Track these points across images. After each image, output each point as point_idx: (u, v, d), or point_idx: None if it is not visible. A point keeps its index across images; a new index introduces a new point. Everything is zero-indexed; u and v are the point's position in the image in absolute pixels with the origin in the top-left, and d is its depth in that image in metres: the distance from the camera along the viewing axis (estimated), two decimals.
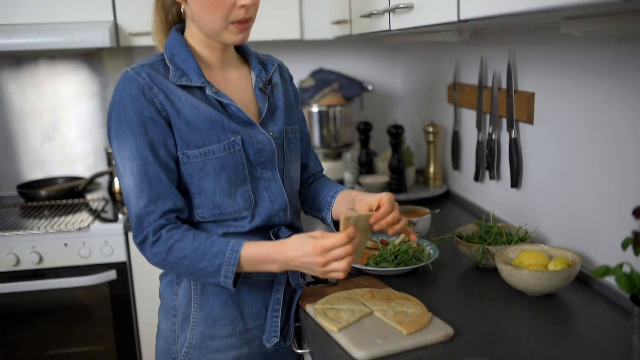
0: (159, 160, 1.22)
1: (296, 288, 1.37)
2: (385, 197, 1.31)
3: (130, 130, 1.20)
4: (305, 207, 1.54)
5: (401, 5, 1.37)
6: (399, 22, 1.46)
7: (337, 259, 1.14)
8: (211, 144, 1.24)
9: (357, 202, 1.34)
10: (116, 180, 2.68)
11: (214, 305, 1.32)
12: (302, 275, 1.36)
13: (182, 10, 1.31)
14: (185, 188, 1.27)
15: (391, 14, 1.51)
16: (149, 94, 1.21)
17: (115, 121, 1.22)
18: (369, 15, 1.64)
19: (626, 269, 1.08)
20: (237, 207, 1.28)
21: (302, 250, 1.16)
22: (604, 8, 0.66)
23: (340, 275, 1.16)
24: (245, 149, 1.27)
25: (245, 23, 1.25)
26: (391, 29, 1.53)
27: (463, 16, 1.07)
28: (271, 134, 1.32)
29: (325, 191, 1.49)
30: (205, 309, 1.32)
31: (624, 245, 1.06)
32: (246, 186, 1.28)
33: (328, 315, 1.27)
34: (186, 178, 1.26)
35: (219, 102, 1.27)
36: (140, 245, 1.23)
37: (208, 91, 1.26)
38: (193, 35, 1.31)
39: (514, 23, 1.49)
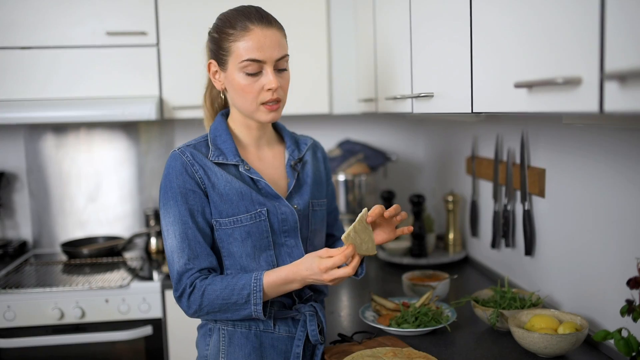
0: (197, 225, 1.40)
1: (316, 344, 1.49)
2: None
3: (174, 200, 1.40)
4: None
5: (422, 94, 1.55)
6: (421, 107, 1.64)
7: (340, 275, 1.30)
8: (240, 213, 1.42)
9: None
10: (152, 241, 2.85)
11: (239, 356, 1.45)
12: (321, 332, 1.49)
13: (225, 97, 1.53)
14: (217, 251, 1.45)
15: (414, 99, 1.69)
16: (191, 170, 1.41)
17: (162, 191, 1.43)
18: (394, 98, 1.83)
19: (625, 333, 1.20)
20: (261, 269, 1.44)
21: (312, 270, 1.32)
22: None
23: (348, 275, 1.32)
24: (270, 219, 1.44)
25: (275, 104, 1.44)
26: (413, 112, 1.71)
27: (476, 109, 1.25)
28: (295, 206, 1.49)
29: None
30: (231, 359, 1.46)
31: (622, 313, 1.18)
32: (270, 251, 1.45)
33: None
34: (218, 242, 1.44)
35: (251, 177, 1.46)
36: (179, 298, 1.39)
37: (241, 168, 1.45)
38: (234, 118, 1.52)
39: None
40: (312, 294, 1.52)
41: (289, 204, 1.47)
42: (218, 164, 1.44)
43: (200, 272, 1.39)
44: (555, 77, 0.87)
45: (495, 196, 2.11)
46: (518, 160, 1.94)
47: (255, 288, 1.35)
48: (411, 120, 3.07)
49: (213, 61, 1.46)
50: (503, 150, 2.07)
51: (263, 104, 1.43)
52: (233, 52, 1.40)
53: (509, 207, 2.01)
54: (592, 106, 0.82)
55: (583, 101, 0.84)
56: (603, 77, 0.80)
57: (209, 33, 1.48)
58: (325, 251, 1.34)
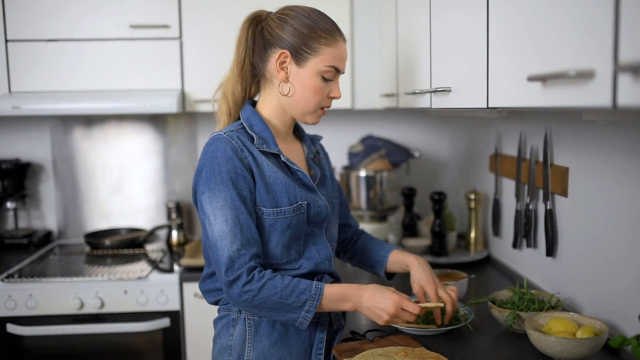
0: (248, 210, 1.39)
1: (337, 329, 1.53)
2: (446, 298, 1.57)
3: (224, 184, 1.37)
4: (355, 261, 1.76)
5: (440, 89, 1.52)
6: (439, 102, 1.60)
7: (399, 320, 1.41)
8: (283, 205, 1.43)
9: (413, 284, 1.63)
10: (173, 233, 2.87)
11: (265, 345, 1.47)
12: (344, 317, 1.52)
13: (251, 88, 1.53)
14: None
15: (432, 94, 1.66)
16: (241, 155, 1.40)
17: (207, 176, 1.39)
18: (413, 93, 1.80)
19: None
20: (289, 257, 1.46)
21: (383, 298, 1.39)
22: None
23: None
24: (308, 212, 1.46)
25: (325, 110, 1.51)
26: (432, 107, 1.68)
27: (491, 104, 1.21)
28: (323, 197, 1.53)
29: (375, 249, 1.72)
30: (257, 348, 1.47)
31: None
32: (300, 241, 1.47)
33: None
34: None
35: (289, 168, 1.47)
36: (232, 282, 1.36)
37: (283, 158, 1.46)
38: (268, 108, 1.51)
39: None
40: (333, 280, 1.54)
41: (323, 198, 1.51)
42: (262, 152, 1.44)
43: (252, 259, 1.37)
44: (568, 70, 0.83)
45: (518, 195, 2.06)
46: (541, 158, 1.89)
47: (314, 296, 1.37)
48: (435, 116, 3.03)
49: (287, 52, 1.44)
50: (526, 147, 2.02)
51: (321, 108, 1.49)
52: (321, 54, 1.43)
53: (531, 207, 1.96)
54: (604, 100, 0.78)
55: (595, 95, 0.80)
56: (617, 69, 0.76)
57: (287, 23, 1.44)
58: (394, 290, 1.42)
